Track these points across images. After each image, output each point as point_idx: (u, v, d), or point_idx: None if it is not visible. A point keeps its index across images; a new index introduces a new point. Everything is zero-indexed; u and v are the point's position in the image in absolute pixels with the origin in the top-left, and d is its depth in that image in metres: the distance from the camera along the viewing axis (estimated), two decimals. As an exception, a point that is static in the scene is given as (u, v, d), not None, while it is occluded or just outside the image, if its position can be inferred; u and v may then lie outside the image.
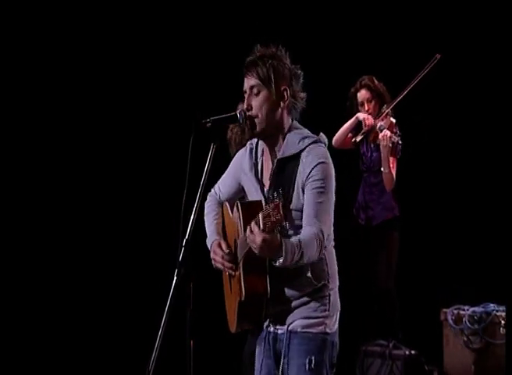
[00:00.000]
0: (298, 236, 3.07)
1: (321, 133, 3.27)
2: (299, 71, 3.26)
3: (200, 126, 3.14)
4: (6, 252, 6.05)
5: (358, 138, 6.01)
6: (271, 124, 3.21)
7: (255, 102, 3.19)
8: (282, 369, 3.18)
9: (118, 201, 6.31)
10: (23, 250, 6.10)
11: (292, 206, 3.14)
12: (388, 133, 5.80)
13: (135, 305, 6.08)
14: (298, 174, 3.15)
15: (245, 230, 2.99)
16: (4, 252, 6.05)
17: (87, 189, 6.27)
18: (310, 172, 3.12)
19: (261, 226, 2.87)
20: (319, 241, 3.06)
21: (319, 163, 3.12)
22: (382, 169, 5.87)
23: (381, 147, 5.85)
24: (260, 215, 2.88)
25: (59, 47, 6.20)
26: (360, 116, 5.99)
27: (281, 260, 2.97)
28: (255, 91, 3.19)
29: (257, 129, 3.21)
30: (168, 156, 5.94)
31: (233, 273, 3.25)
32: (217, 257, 3.29)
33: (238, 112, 3.20)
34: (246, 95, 3.22)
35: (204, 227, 3.42)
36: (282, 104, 3.21)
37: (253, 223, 2.92)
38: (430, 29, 6.37)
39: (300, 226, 3.12)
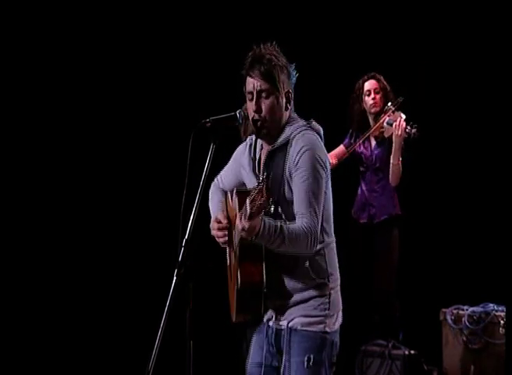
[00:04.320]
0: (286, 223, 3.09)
1: (313, 121, 3.28)
2: (293, 69, 3.26)
3: (199, 126, 3.15)
4: (6, 252, 6.04)
5: None
6: (278, 126, 3.21)
7: (265, 105, 3.18)
8: (283, 366, 3.20)
9: (118, 201, 6.30)
10: (23, 250, 6.09)
11: (286, 195, 3.15)
12: (403, 123, 5.73)
13: (135, 305, 6.07)
14: (287, 162, 3.15)
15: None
16: (4, 252, 6.04)
17: (87, 189, 6.26)
18: (297, 160, 3.12)
19: (248, 210, 2.89)
20: (310, 234, 3.06)
21: (306, 150, 3.12)
22: (391, 160, 5.78)
23: (393, 136, 5.74)
24: (247, 200, 2.91)
25: (61, 49, 6.18)
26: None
27: (258, 235, 2.99)
28: (264, 94, 3.17)
29: (265, 131, 3.21)
30: (168, 156, 5.93)
31: (226, 245, 3.32)
32: (214, 230, 3.33)
33: (238, 111, 3.21)
34: (253, 97, 3.20)
35: (204, 227, 3.42)
36: (288, 106, 3.23)
37: (240, 213, 2.96)
38: (431, 29, 6.38)
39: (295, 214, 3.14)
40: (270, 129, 3.21)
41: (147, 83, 6.31)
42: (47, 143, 6.20)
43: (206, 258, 3.65)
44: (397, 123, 5.73)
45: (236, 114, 3.20)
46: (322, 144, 3.23)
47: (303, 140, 3.15)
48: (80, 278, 6.17)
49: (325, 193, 3.17)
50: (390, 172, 5.85)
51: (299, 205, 3.10)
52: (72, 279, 6.16)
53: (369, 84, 5.98)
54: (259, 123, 3.19)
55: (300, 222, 3.08)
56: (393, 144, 5.77)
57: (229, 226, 3.34)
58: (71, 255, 6.19)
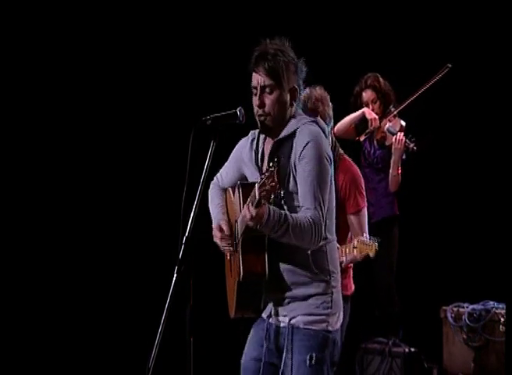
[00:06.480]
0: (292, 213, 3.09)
1: (319, 118, 3.30)
2: (302, 64, 3.26)
3: (200, 124, 3.15)
4: (6, 252, 6.04)
5: (362, 138, 6.03)
6: (281, 122, 3.22)
7: (268, 101, 3.20)
8: (284, 364, 3.19)
9: (118, 199, 6.30)
10: (23, 249, 6.09)
11: (290, 187, 3.15)
12: (403, 137, 5.85)
13: (135, 302, 6.08)
14: (292, 153, 3.16)
15: None
16: (4, 252, 6.04)
17: (88, 187, 6.27)
18: (301, 151, 3.13)
19: (257, 196, 2.89)
20: (315, 225, 3.07)
21: (310, 142, 3.13)
22: (390, 171, 5.91)
23: (393, 149, 5.89)
24: (256, 185, 2.90)
25: (61, 49, 6.18)
26: (368, 114, 5.97)
27: (263, 222, 2.99)
28: (268, 90, 3.19)
29: (269, 127, 3.22)
30: (169, 154, 5.94)
31: (231, 253, 3.30)
32: (216, 239, 3.33)
33: (238, 109, 3.21)
34: (256, 92, 3.22)
35: (204, 224, 3.42)
36: (293, 103, 3.24)
37: (248, 200, 2.98)
38: (439, 29, 6.37)
39: (298, 207, 3.13)
40: (273, 124, 3.22)
41: (147, 81, 6.31)
42: (47, 143, 6.20)
43: (206, 255, 3.65)
44: (397, 138, 5.85)
45: (236, 112, 3.21)
46: (326, 140, 3.23)
47: (308, 132, 3.16)
48: (80, 276, 6.17)
49: (330, 187, 3.17)
50: (390, 181, 5.94)
51: (304, 198, 3.11)
52: (72, 277, 6.16)
53: (366, 96, 6.02)
54: (262, 118, 3.21)
55: (305, 214, 3.09)
56: (392, 156, 5.88)
57: (229, 222, 3.36)
58: (71, 252, 6.19)
